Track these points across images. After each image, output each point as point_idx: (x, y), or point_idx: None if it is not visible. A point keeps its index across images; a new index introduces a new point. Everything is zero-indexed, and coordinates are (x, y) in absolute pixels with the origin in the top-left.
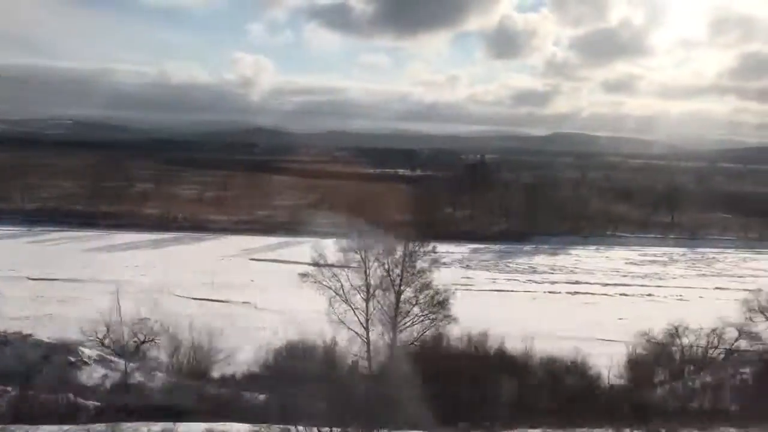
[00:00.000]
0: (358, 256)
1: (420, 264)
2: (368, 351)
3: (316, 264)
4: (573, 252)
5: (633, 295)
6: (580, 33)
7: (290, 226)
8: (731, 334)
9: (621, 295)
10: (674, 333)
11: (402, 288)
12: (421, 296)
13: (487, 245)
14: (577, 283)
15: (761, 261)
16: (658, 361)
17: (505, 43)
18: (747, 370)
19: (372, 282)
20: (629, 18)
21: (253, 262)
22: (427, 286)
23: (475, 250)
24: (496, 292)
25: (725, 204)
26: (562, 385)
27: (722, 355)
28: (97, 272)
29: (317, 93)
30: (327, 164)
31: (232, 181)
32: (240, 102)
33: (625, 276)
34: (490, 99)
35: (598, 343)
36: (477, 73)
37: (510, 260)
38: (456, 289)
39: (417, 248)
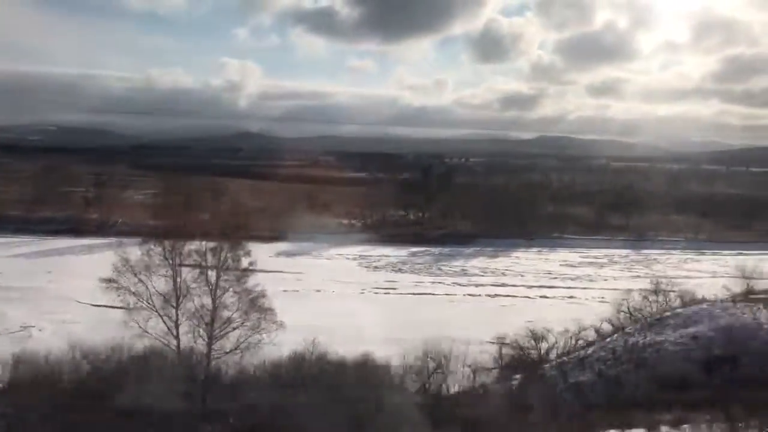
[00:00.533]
0: (164, 260)
1: (238, 266)
2: (178, 360)
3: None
4: (514, 254)
5: (554, 297)
6: (565, 37)
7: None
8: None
9: (542, 297)
10: (534, 336)
11: (218, 293)
12: (240, 301)
13: (429, 248)
14: (503, 285)
15: (702, 262)
16: (513, 363)
17: (491, 47)
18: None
19: (183, 287)
20: (613, 22)
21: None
22: (247, 291)
23: (414, 253)
24: (414, 296)
25: (690, 205)
26: (340, 388)
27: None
28: (7, 279)
29: (304, 97)
30: (307, 169)
31: (188, 186)
32: (227, 107)
33: (555, 278)
34: (477, 102)
35: (482, 346)
36: (463, 77)
37: (446, 263)
38: (376, 292)
39: (234, 250)
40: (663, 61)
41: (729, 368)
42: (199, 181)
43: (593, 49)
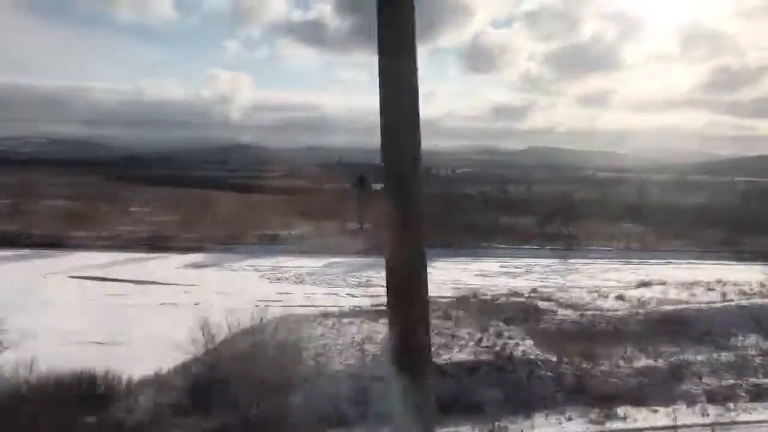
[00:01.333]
0: None
1: None
2: None
3: None
4: (433, 264)
5: None
6: (554, 48)
7: (152, 242)
8: None
9: None
10: None
11: None
12: None
13: (356, 258)
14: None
15: (623, 271)
16: None
17: (480, 58)
18: None
19: None
20: (601, 33)
21: (73, 279)
22: None
23: (332, 264)
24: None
25: (646, 215)
26: None
27: None
28: None
29: (296, 109)
30: (289, 180)
31: (140, 197)
32: (218, 118)
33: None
34: (468, 114)
35: None
36: (454, 88)
37: (357, 273)
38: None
39: None
40: (651, 71)
41: None
42: (160, 192)
43: (581, 61)
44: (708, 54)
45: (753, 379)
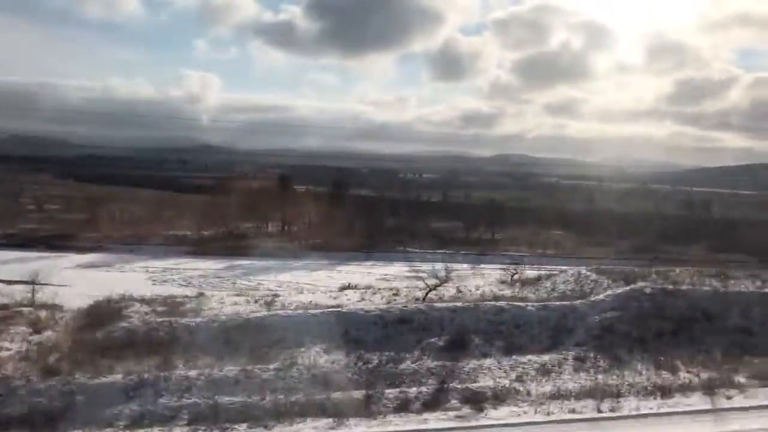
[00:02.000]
0: None
1: None
2: None
3: None
4: (341, 267)
5: None
6: (522, 56)
7: (51, 241)
8: None
9: None
10: None
11: None
12: None
13: (258, 260)
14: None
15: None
16: None
17: (451, 65)
18: None
19: None
20: (569, 42)
21: None
22: None
23: (232, 266)
24: None
25: (584, 222)
26: None
27: None
28: None
29: (266, 110)
30: (247, 182)
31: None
32: (188, 119)
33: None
34: (439, 119)
35: None
36: (425, 93)
37: (254, 277)
38: None
39: None
40: (618, 82)
41: None
42: (97, 191)
43: (549, 69)
44: (672, 66)
45: None
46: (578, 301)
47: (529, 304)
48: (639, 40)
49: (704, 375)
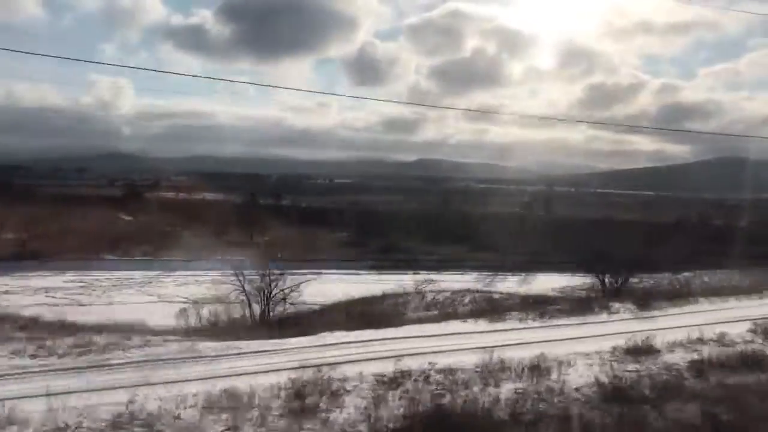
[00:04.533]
0: None
1: None
2: None
3: None
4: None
5: None
6: (438, 62)
7: None
8: None
9: None
10: None
11: None
12: None
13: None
14: None
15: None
16: None
17: (369, 70)
18: None
19: None
20: (483, 48)
21: None
22: None
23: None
24: None
25: (477, 227)
26: None
27: None
28: None
29: (182, 117)
30: (150, 191)
31: None
32: (100, 126)
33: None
34: (360, 125)
35: None
36: (346, 99)
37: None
38: None
39: None
40: (532, 88)
41: None
42: None
43: (465, 75)
44: (583, 72)
45: None
46: None
47: None
48: (549, 46)
49: None
